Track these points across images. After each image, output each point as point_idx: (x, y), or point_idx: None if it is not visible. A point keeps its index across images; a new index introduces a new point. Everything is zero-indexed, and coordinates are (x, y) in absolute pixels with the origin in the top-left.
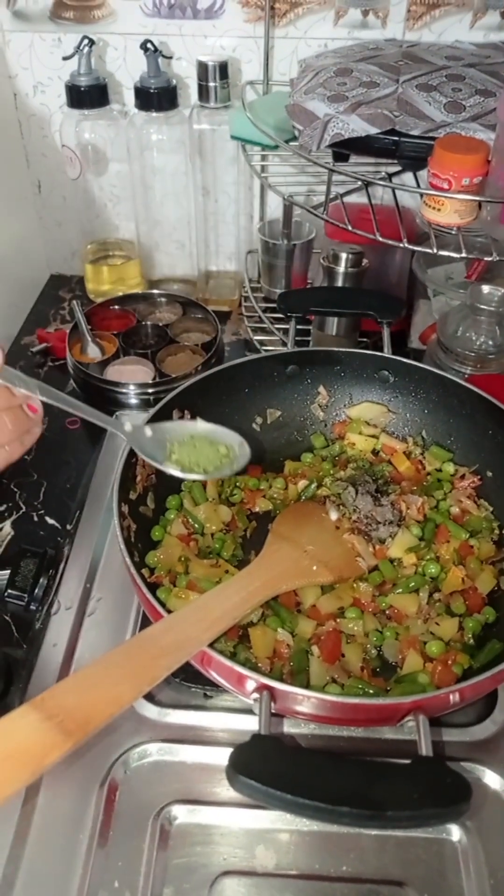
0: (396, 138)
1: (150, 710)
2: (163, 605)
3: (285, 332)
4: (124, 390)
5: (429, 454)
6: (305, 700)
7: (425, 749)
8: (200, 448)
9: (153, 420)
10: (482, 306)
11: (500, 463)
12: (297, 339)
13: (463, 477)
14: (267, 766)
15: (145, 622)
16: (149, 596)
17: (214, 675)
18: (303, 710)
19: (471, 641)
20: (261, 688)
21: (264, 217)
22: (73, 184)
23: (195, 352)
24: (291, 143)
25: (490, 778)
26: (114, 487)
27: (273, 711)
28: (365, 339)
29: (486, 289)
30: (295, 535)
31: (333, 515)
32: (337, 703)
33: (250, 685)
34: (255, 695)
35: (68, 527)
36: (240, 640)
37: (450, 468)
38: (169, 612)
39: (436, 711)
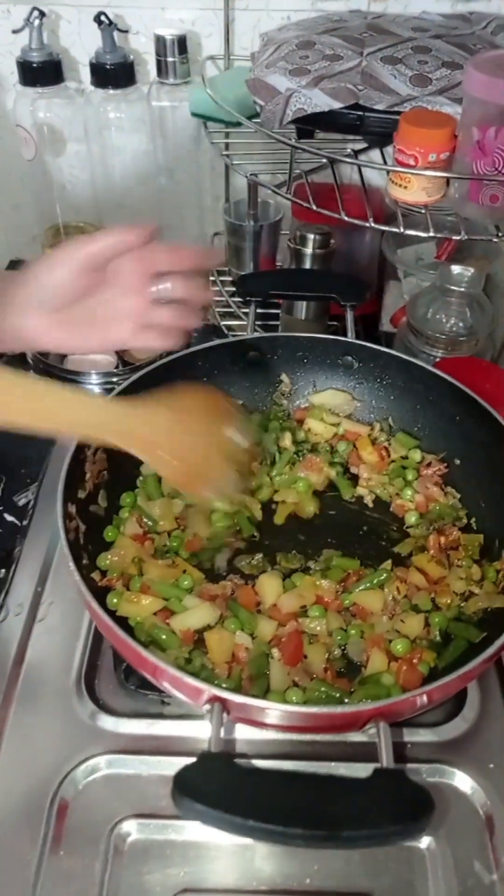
0: (361, 113)
1: (104, 721)
2: (112, 613)
3: None
4: (86, 379)
5: (395, 441)
6: (260, 711)
7: (386, 759)
8: None
9: None
10: (452, 287)
11: (467, 450)
12: (266, 323)
13: (430, 465)
14: (215, 787)
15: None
16: (93, 603)
17: (167, 686)
18: (259, 720)
19: (437, 638)
20: (212, 699)
21: (230, 198)
22: (29, 165)
23: None
24: (253, 120)
25: (460, 780)
26: (59, 486)
27: (227, 721)
28: (335, 323)
29: (455, 269)
30: (185, 426)
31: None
32: (293, 713)
33: (201, 696)
34: (207, 706)
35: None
36: (195, 645)
37: (416, 455)
38: (117, 618)
39: (400, 717)
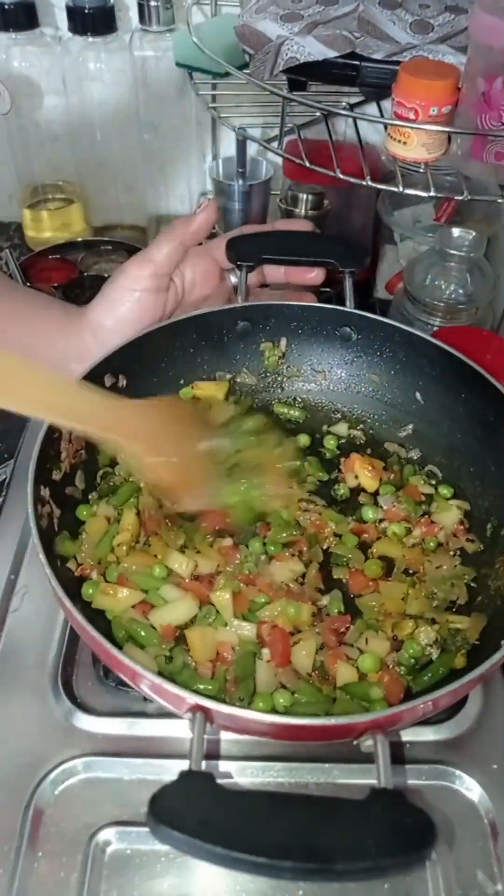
0: (357, 63)
1: (82, 720)
2: (87, 604)
3: None
4: None
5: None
6: (248, 722)
7: (384, 778)
8: None
9: None
10: (452, 251)
11: (472, 431)
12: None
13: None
14: (196, 812)
15: None
16: (66, 602)
17: (146, 692)
18: (245, 729)
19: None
20: (194, 708)
21: (217, 155)
22: (3, 120)
23: None
24: (242, 70)
25: (462, 783)
26: (30, 468)
27: (211, 731)
28: (328, 290)
29: (455, 232)
30: (177, 429)
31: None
32: (283, 725)
33: (183, 704)
34: (189, 714)
35: None
36: (176, 641)
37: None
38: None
39: (401, 727)
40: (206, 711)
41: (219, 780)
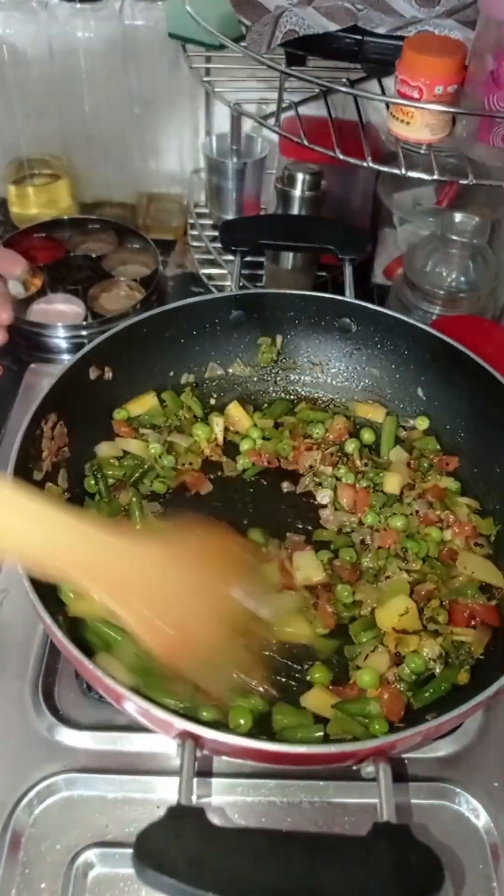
0: (359, 37)
1: (64, 734)
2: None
3: None
4: (51, 333)
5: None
6: (241, 749)
7: (386, 812)
8: None
9: (63, 381)
10: (454, 237)
11: (476, 430)
12: (249, 272)
13: None
14: (185, 853)
15: None
16: (48, 619)
17: (131, 714)
18: (239, 755)
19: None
20: (183, 735)
21: (211, 131)
22: None
23: (133, 288)
24: (238, 43)
25: (462, 802)
26: (9, 468)
27: (201, 756)
28: (324, 274)
29: (458, 217)
30: (181, 575)
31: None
32: (280, 754)
33: (171, 730)
34: (178, 740)
35: None
36: None
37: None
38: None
39: (405, 752)
40: (195, 738)
41: (210, 803)
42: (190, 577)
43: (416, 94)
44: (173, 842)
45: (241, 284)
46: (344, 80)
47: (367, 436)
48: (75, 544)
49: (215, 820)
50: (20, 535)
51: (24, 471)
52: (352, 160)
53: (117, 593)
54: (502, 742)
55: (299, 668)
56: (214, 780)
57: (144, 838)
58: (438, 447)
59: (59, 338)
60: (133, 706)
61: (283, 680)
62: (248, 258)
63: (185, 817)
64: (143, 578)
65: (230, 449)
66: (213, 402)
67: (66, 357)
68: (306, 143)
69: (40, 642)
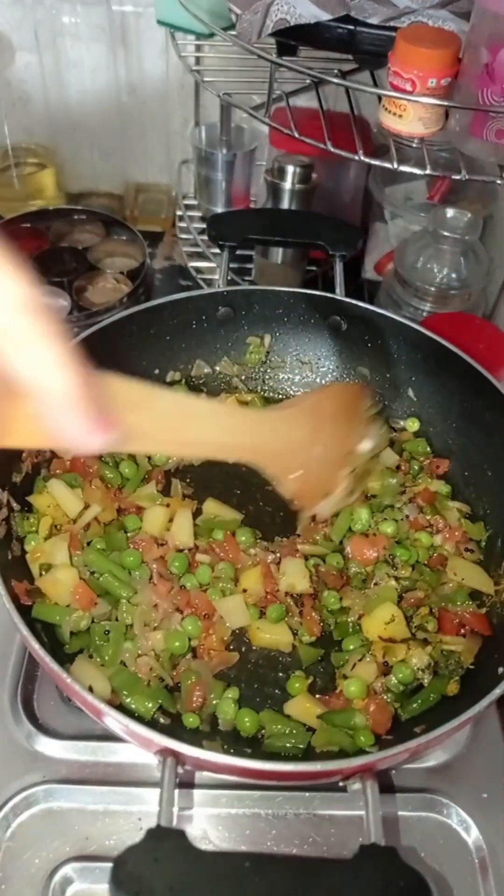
0: (352, 27)
1: (43, 744)
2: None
3: None
4: None
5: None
6: (224, 766)
7: (374, 833)
8: None
9: None
10: (446, 233)
11: (469, 432)
12: (238, 266)
13: None
14: (164, 879)
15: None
16: (24, 630)
17: (112, 729)
18: (221, 770)
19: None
20: (164, 752)
21: (200, 121)
22: None
23: (120, 280)
24: (228, 31)
25: (450, 814)
26: None
27: (183, 772)
28: (314, 268)
29: (450, 213)
30: (322, 437)
31: (367, 445)
32: (264, 771)
33: (151, 746)
34: (159, 757)
35: None
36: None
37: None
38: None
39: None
40: (176, 755)
41: (192, 815)
42: (330, 435)
43: (408, 87)
44: (152, 866)
45: (229, 279)
46: (336, 71)
47: None
48: (231, 436)
49: (197, 834)
50: (201, 435)
51: (4, 472)
52: (343, 153)
53: (277, 462)
54: (491, 752)
55: (284, 676)
56: (197, 792)
57: (122, 863)
58: (429, 449)
59: None
60: (113, 721)
61: (269, 689)
62: (237, 251)
63: (164, 839)
64: (297, 446)
65: None
66: None
67: None
68: (297, 134)
69: (19, 648)
